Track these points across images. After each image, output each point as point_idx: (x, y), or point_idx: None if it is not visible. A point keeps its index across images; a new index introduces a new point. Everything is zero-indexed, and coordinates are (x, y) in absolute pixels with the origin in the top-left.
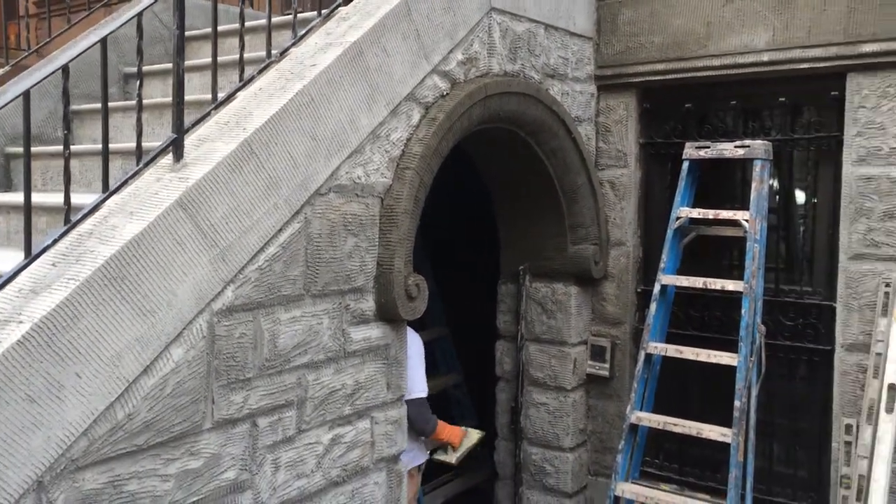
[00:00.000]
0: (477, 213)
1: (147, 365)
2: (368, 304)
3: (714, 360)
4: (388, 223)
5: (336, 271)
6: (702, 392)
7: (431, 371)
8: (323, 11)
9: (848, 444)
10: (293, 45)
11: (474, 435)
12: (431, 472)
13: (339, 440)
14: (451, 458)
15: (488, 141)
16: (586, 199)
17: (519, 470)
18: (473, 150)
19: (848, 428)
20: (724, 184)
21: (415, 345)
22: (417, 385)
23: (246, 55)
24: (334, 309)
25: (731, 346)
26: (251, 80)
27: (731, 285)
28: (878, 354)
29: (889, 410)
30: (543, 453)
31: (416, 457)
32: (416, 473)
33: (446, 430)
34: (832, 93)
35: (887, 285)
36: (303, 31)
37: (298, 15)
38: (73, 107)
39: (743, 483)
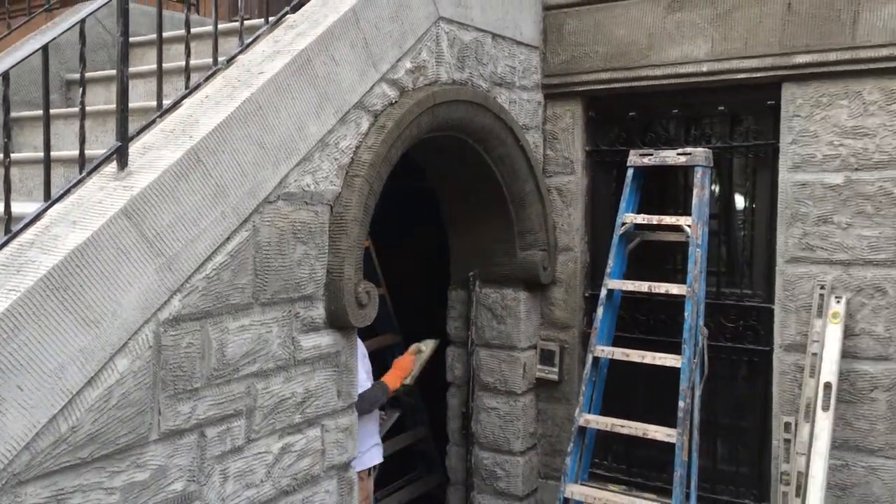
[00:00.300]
0: (427, 220)
1: (91, 376)
2: (318, 312)
3: (659, 363)
4: (337, 231)
5: (285, 279)
6: (649, 394)
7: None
8: (270, 19)
9: (787, 441)
10: (240, 52)
11: (425, 350)
12: (384, 479)
13: (289, 449)
14: (409, 380)
15: (437, 148)
16: (534, 205)
17: (470, 475)
18: (423, 158)
19: (787, 426)
20: (668, 190)
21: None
22: (363, 382)
23: (192, 62)
24: (284, 317)
25: (676, 349)
26: (197, 87)
27: (674, 289)
28: (814, 354)
29: (825, 408)
30: (494, 457)
31: (370, 458)
32: (368, 477)
33: (397, 380)
34: (769, 102)
35: (822, 287)
36: (250, 39)
37: (246, 22)
38: (14, 114)
39: (688, 482)
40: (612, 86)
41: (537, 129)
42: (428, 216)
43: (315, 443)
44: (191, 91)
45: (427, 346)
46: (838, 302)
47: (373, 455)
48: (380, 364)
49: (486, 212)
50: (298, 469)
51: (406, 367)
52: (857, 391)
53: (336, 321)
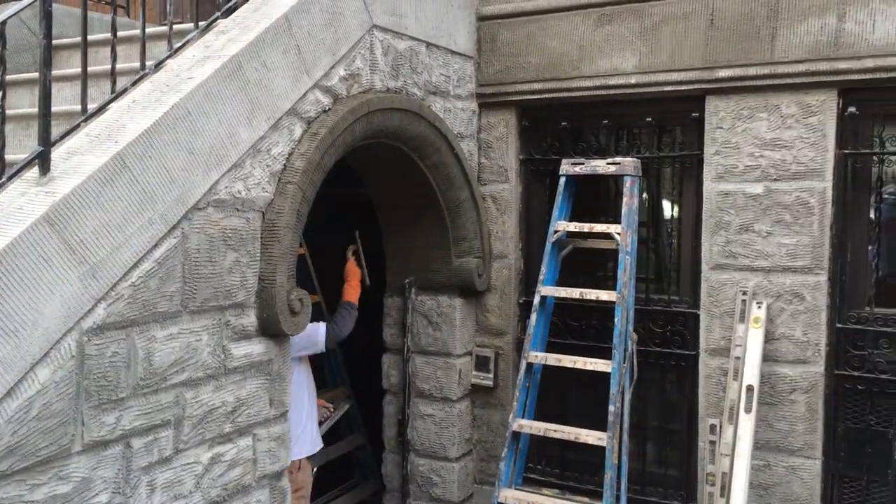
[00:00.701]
0: (364, 227)
1: (10, 387)
2: (250, 320)
3: (590, 368)
4: (269, 238)
5: (216, 287)
6: (584, 398)
7: (320, 386)
8: (201, 23)
9: (713, 443)
10: (169, 56)
11: (356, 246)
12: (322, 487)
13: (219, 459)
14: (366, 279)
15: (373, 156)
16: (469, 213)
17: (406, 482)
18: (359, 165)
19: (712, 428)
20: (601, 198)
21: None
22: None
23: (122, 66)
24: (214, 325)
25: (608, 354)
26: (124, 91)
27: (604, 295)
28: (737, 358)
29: (748, 410)
30: (430, 464)
31: (311, 446)
32: (298, 470)
33: (355, 290)
34: (693, 114)
35: (744, 293)
36: (179, 44)
37: (176, 26)
38: None
39: (618, 484)
40: (545, 96)
41: (472, 137)
42: (365, 223)
43: (246, 452)
44: (117, 95)
45: (356, 244)
46: (759, 307)
47: (301, 445)
48: (317, 371)
49: (422, 219)
50: (229, 479)
51: (355, 272)
52: (778, 393)
53: (268, 329)
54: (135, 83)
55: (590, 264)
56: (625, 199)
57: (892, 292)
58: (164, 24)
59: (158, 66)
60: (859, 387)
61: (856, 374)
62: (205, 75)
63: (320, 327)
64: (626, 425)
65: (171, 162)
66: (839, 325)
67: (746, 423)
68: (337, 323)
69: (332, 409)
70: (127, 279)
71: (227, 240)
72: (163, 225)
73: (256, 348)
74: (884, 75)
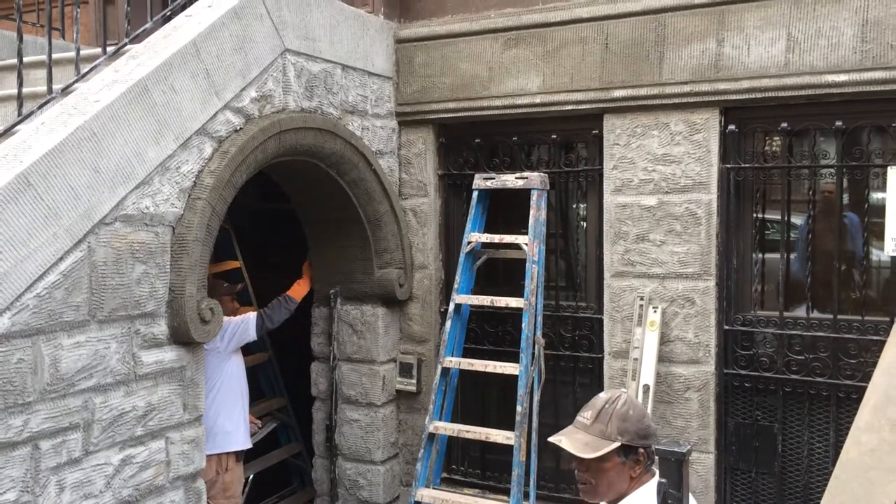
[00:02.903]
0: (294, 240)
1: None
2: (161, 329)
3: (500, 371)
4: (179, 250)
5: (124, 297)
6: (500, 401)
7: (257, 396)
8: (109, 49)
9: None
10: (77, 81)
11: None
12: (260, 495)
13: (130, 460)
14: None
15: (294, 172)
16: (390, 226)
17: (335, 485)
18: (283, 182)
19: None
20: (514, 211)
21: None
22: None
23: (32, 89)
24: (123, 334)
25: (518, 358)
26: (31, 114)
27: (514, 302)
28: (636, 360)
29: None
30: (357, 467)
31: (244, 441)
32: (238, 466)
33: (300, 291)
34: (593, 131)
35: (641, 299)
36: (87, 69)
37: (84, 52)
38: None
39: (526, 480)
40: (459, 114)
41: (392, 153)
42: (294, 237)
43: (159, 454)
44: (24, 118)
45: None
46: (655, 311)
47: (236, 437)
48: (252, 381)
49: (345, 232)
50: (141, 480)
51: (308, 271)
52: (674, 392)
53: (179, 337)
54: (41, 106)
55: (507, 273)
56: (532, 212)
57: (774, 296)
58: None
59: (66, 90)
60: (746, 384)
61: (743, 372)
62: (111, 98)
63: (251, 317)
64: (535, 425)
65: (76, 180)
66: (727, 327)
67: None
68: (268, 313)
69: (259, 425)
70: (32, 290)
71: (134, 253)
72: (68, 239)
73: (168, 355)
74: (758, 95)
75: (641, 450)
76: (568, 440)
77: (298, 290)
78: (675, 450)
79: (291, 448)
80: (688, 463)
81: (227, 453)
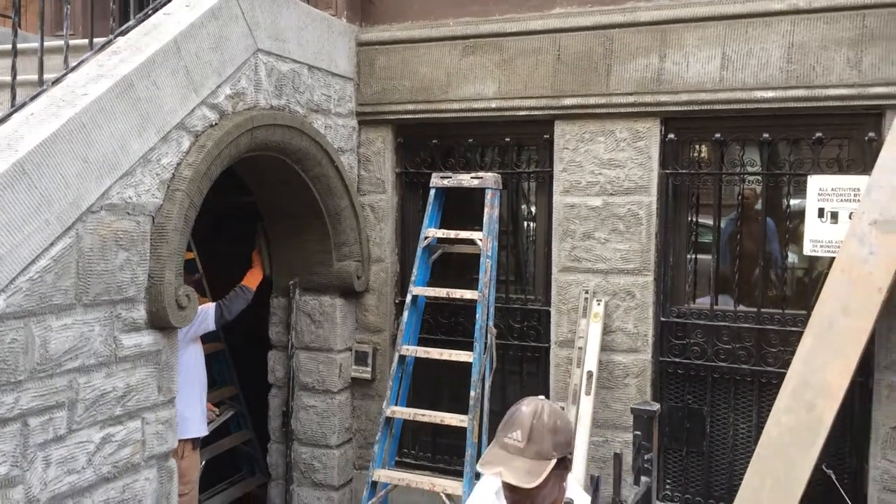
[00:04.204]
0: (240, 235)
1: None
2: (140, 314)
3: (454, 359)
4: (159, 239)
5: (108, 283)
6: (454, 388)
7: (209, 385)
8: (97, 42)
9: None
10: (66, 74)
11: (260, 243)
12: (209, 482)
13: (109, 439)
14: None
15: (260, 167)
16: (349, 220)
17: (290, 469)
18: (247, 176)
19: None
20: (470, 208)
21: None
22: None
23: (19, 78)
24: (106, 317)
25: (471, 347)
26: (23, 105)
27: (468, 294)
28: (580, 349)
29: (588, 393)
30: (312, 452)
31: (200, 427)
32: (194, 454)
33: (255, 278)
34: (545, 136)
35: (586, 292)
36: (75, 63)
37: (70, 41)
38: None
39: (478, 461)
40: (417, 116)
41: (352, 151)
42: (240, 232)
43: (136, 434)
44: (17, 108)
45: (260, 240)
46: (599, 304)
47: (192, 424)
48: (207, 370)
49: (305, 225)
50: (119, 458)
51: (258, 260)
52: (614, 378)
53: (157, 322)
54: (33, 98)
55: (460, 267)
56: (486, 210)
57: (705, 290)
58: (57, 36)
59: (56, 82)
60: (679, 371)
61: (676, 360)
62: (99, 92)
63: (210, 307)
64: (486, 409)
65: (67, 169)
66: (663, 319)
67: (587, 404)
68: (226, 303)
69: (217, 413)
70: (25, 273)
71: (118, 240)
72: (59, 226)
73: (146, 339)
74: (696, 107)
75: (569, 454)
76: (507, 470)
77: (252, 279)
78: (648, 408)
79: (242, 435)
80: (657, 419)
81: (185, 440)
